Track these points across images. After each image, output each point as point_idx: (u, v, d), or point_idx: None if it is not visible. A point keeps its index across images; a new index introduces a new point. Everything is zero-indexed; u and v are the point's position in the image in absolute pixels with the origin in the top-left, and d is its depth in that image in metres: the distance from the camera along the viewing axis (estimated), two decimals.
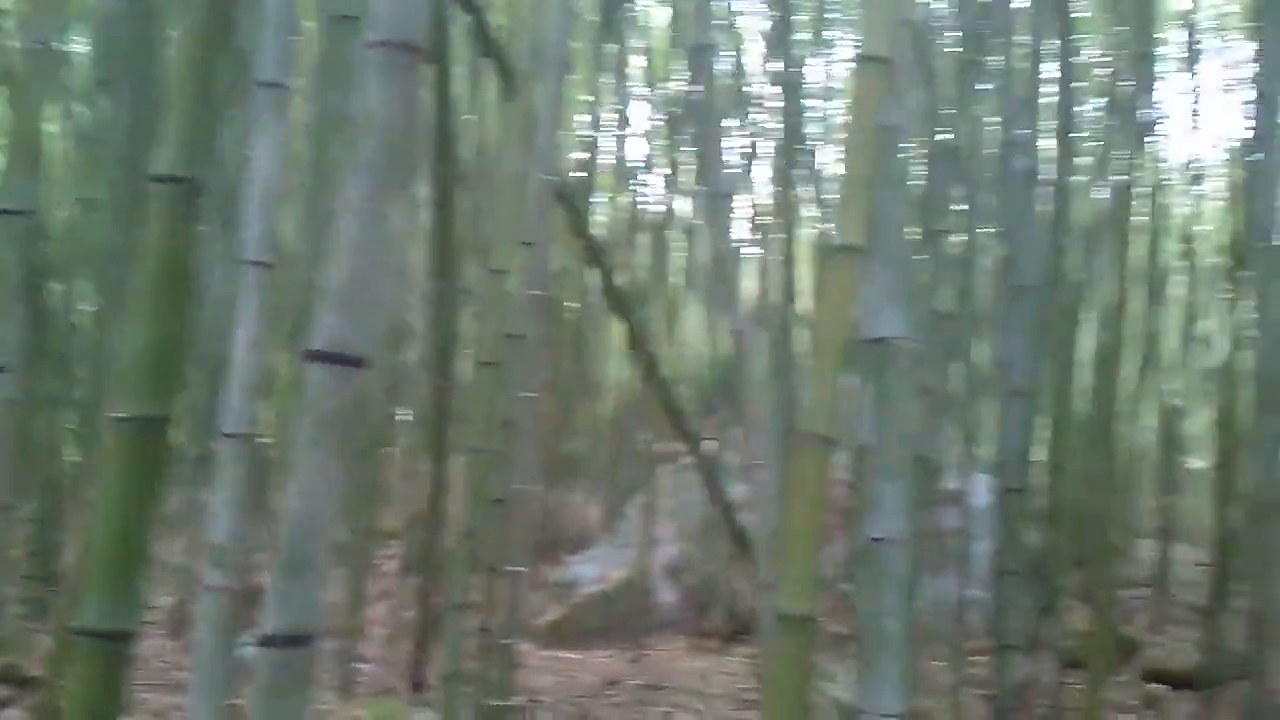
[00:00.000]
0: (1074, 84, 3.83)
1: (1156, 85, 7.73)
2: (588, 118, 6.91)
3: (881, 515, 1.87)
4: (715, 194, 3.04)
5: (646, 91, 7.07)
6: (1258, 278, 3.13)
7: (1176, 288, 8.21)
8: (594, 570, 5.84)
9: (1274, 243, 2.77)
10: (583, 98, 6.95)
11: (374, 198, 1.19)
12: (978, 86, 3.92)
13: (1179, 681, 5.28)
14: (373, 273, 1.20)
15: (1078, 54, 4.07)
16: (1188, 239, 7.58)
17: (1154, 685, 5.31)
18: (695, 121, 3.85)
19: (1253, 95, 3.18)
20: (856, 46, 1.50)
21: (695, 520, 5.74)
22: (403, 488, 5.15)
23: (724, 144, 3.00)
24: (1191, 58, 7.64)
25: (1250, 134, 3.23)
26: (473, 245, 4.24)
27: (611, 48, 6.62)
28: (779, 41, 4.42)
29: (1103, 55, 5.88)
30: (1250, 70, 3.45)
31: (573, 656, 5.32)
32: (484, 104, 4.83)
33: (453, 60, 4.13)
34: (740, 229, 7.53)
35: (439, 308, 3.55)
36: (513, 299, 2.85)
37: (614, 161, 7.08)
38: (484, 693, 2.90)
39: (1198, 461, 9.55)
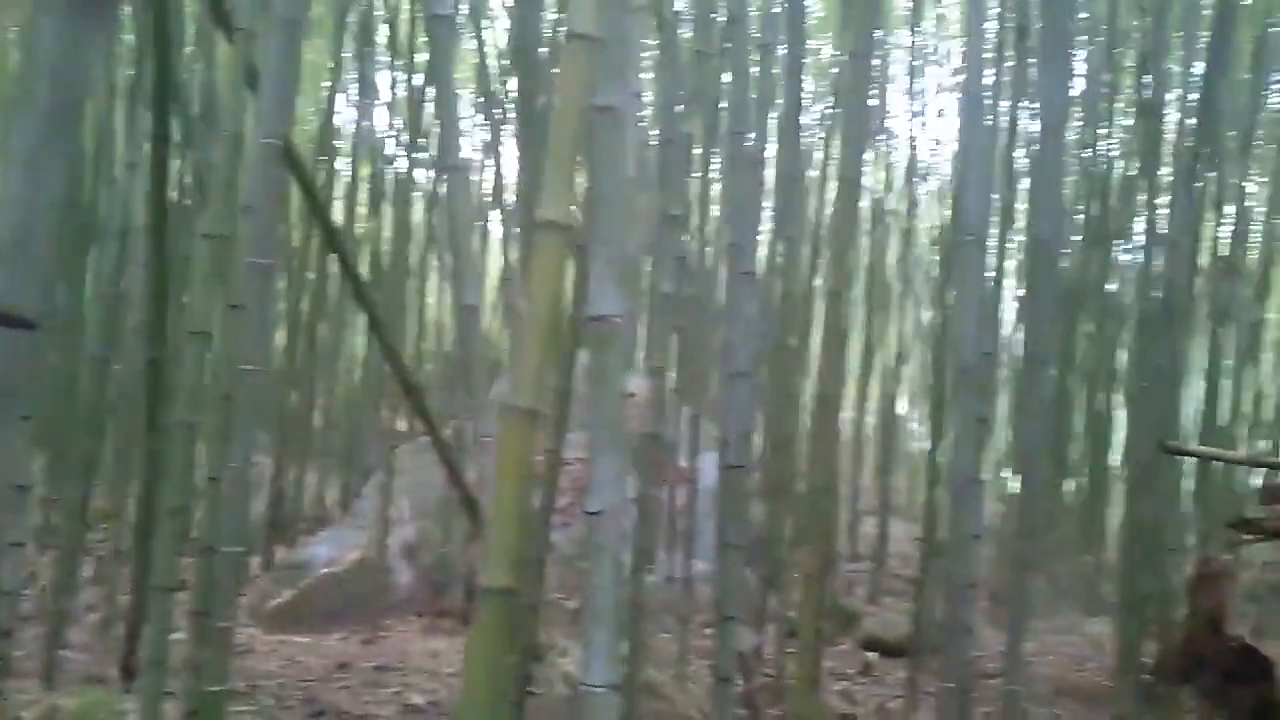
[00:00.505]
0: (802, 77, 3.97)
1: (885, 86, 8.21)
2: (330, 84, 6.70)
3: (597, 490, 1.89)
4: (452, 167, 3.00)
5: (392, 61, 6.92)
6: (957, 271, 3.34)
7: (899, 280, 8.73)
8: (328, 551, 5.69)
9: (968, 238, 2.96)
10: (326, 64, 6.74)
11: (42, 147, 1.10)
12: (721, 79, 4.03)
13: (892, 649, 5.65)
14: (40, 228, 1.11)
15: (804, 44, 4.22)
16: (907, 234, 8.08)
17: (870, 653, 5.64)
18: (435, 93, 3.77)
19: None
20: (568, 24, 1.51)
21: (433, 499, 5.67)
22: (118, 466, 4.85)
23: (464, 117, 2.96)
24: (917, 60, 8.15)
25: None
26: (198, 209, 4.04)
27: (356, 14, 6.44)
28: (523, 17, 4.40)
29: (834, 55, 6.17)
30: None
31: (303, 640, 5.17)
32: (216, 59, 4.60)
33: (179, 11, 3.92)
34: (480, 203, 7.52)
35: (152, 274, 3.35)
36: (235, 267, 2.72)
37: (358, 131, 6.89)
38: (198, 679, 2.77)
39: (917, 444, 10.23)
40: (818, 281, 5.92)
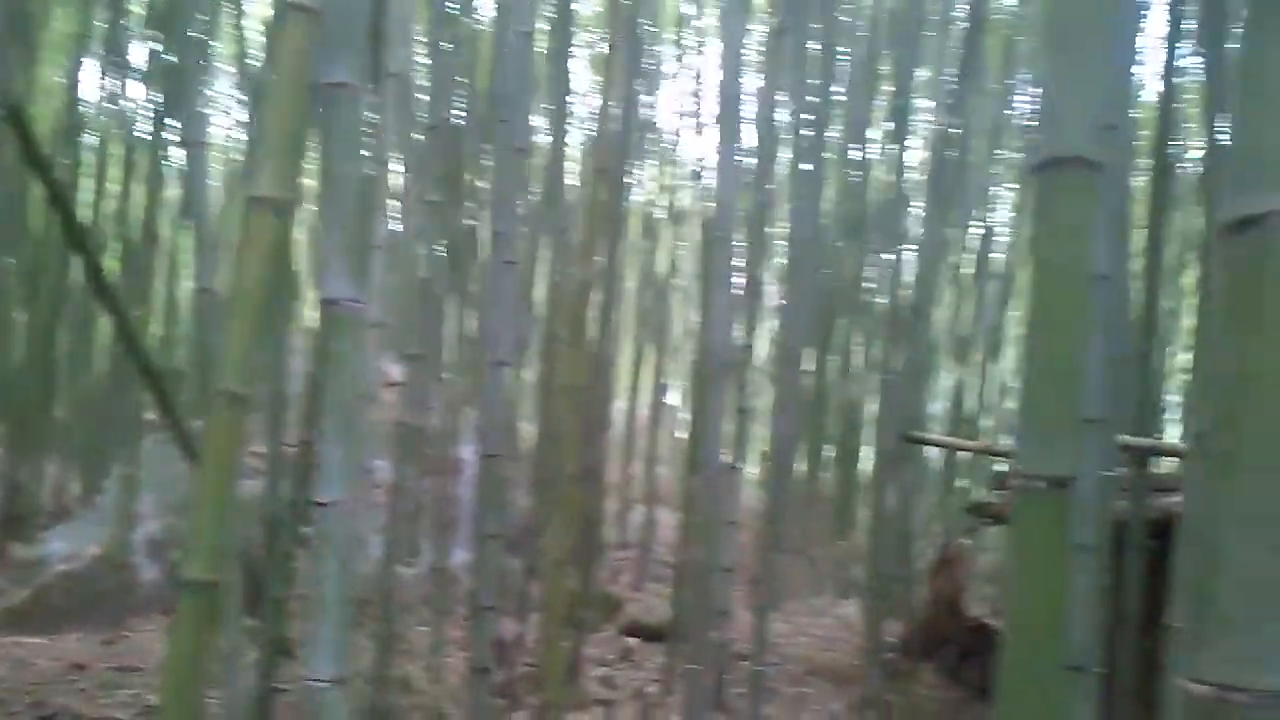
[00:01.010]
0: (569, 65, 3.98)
1: (659, 82, 8.32)
2: (78, 54, 6.29)
3: (326, 480, 1.84)
4: (193, 141, 2.86)
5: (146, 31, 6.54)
6: (712, 268, 3.42)
7: (680, 275, 8.88)
8: (66, 547, 5.35)
9: (718, 234, 3.04)
10: (75, 32, 6.33)
11: None
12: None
13: (654, 634, 5.75)
14: None
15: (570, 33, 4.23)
16: (677, 230, 8.24)
17: (632, 639, 5.72)
18: (184, 65, 3.59)
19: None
20: None
21: (181, 493, 5.40)
22: None
23: (224, 93, 2.83)
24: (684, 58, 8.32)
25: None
26: None
27: None
28: None
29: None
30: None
31: (37, 642, 4.84)
32: None
33: None
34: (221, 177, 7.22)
35: None
36: None
37: (108, 104, 6.49)
38: None
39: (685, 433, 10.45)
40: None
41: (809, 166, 4.55)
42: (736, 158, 3.39)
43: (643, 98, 7.21)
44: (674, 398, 10.06)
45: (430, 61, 4.31)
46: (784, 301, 7.57)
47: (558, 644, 3.42)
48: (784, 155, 5.98)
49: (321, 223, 1.79)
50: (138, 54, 6.39)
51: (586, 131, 7.12)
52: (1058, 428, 0.91)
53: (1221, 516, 0.75)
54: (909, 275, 5.32)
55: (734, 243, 3.19)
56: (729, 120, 3.31)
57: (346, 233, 1.80)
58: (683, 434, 10.46)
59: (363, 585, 3.86)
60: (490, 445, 3.54)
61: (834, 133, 6.58)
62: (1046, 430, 0.92)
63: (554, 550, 3.23)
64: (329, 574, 1.85)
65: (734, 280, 3.23)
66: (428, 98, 3.84)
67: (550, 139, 3.99)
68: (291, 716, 3.57)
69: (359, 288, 1.81)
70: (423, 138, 3.61)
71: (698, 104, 8.50)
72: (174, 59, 5.79)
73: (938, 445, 5.01)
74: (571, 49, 4.21)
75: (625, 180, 6.27)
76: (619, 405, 8.64)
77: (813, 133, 4.89)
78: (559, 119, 4.04)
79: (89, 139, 6.66)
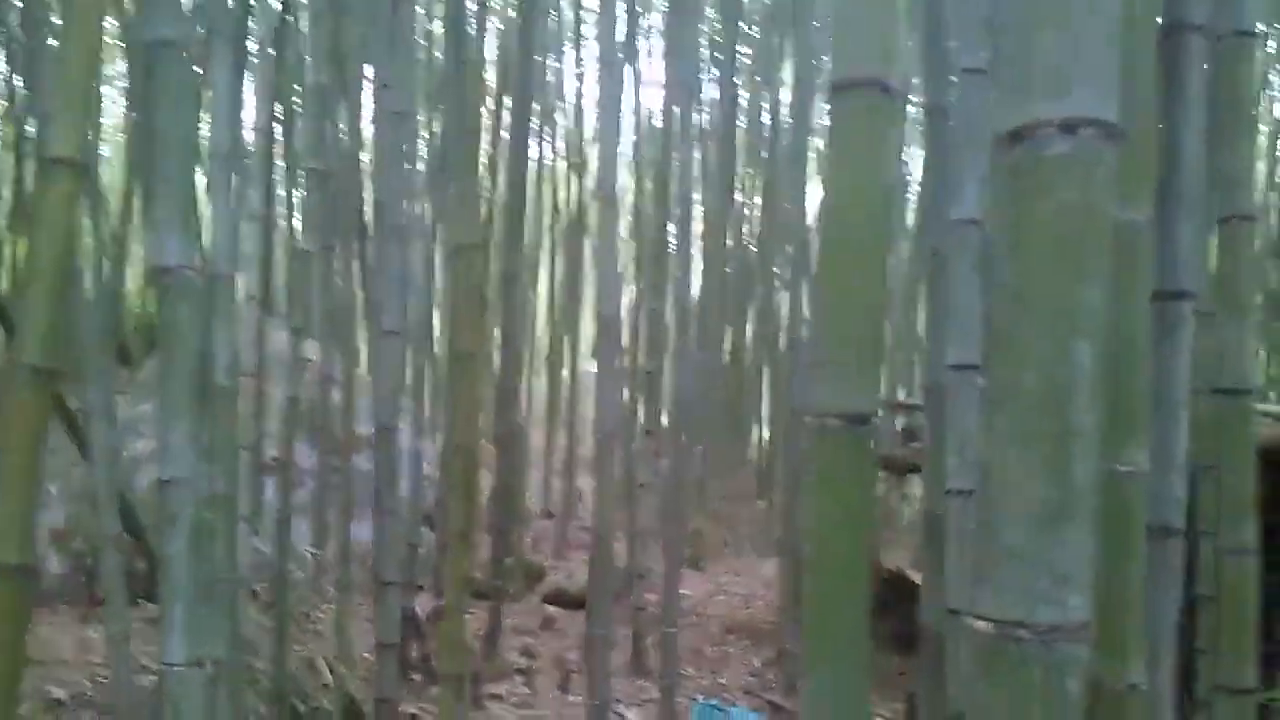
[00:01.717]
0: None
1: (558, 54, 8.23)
2: None
3: (168, 457, 1.76)
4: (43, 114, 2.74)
5: None
6: (600, 231, 3.37)
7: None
8: None
9: (604, 195, 2.99)
10: None
11: None
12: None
13: (575, 602, 5.73)
14: None
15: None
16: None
17: (553, 607, 5.70)
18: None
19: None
20: None
21: (82, 482, 5.25)
22: None
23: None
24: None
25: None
26: None
27: None
28: None
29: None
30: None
31: None
32: None
33: None
34: None
35: None
36: None
37: None
38: None
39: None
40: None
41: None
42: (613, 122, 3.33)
43: (550, 64, 7.13)
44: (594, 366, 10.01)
45: (311, 27, 4.18)
46: (706, 269, 7.55)
47: (458, 616, 3.36)
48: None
49: (151, 186, 1.71)
50: None
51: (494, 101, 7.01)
52: (855, 364, 0.88)
53: (999, 443, 0.72)
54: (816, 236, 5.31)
55: (614, 204, 3.13)
56: (610, 89, 3.26)
57: (178, 196, 1.72)
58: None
59: (264, 565, 3.78)
60: (384, 418, 3.47)
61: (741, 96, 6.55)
62: (843, 367, 0.88)
63: (454, 522, 3.17)
64: (178, 554, 1.78)
65: (613, 242, 3.17)
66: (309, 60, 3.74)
67: (455, 106, 3.89)
68: None
69: (191, 254, 1.73)
70: (299, 107, 3.50)
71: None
72: None
73: (900, 407, 5.02)
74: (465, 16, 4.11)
75: (531, 146, 6.20)
76: (540, 374, 8.59)
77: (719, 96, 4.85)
78: (458, 83, 3.95)
79: None
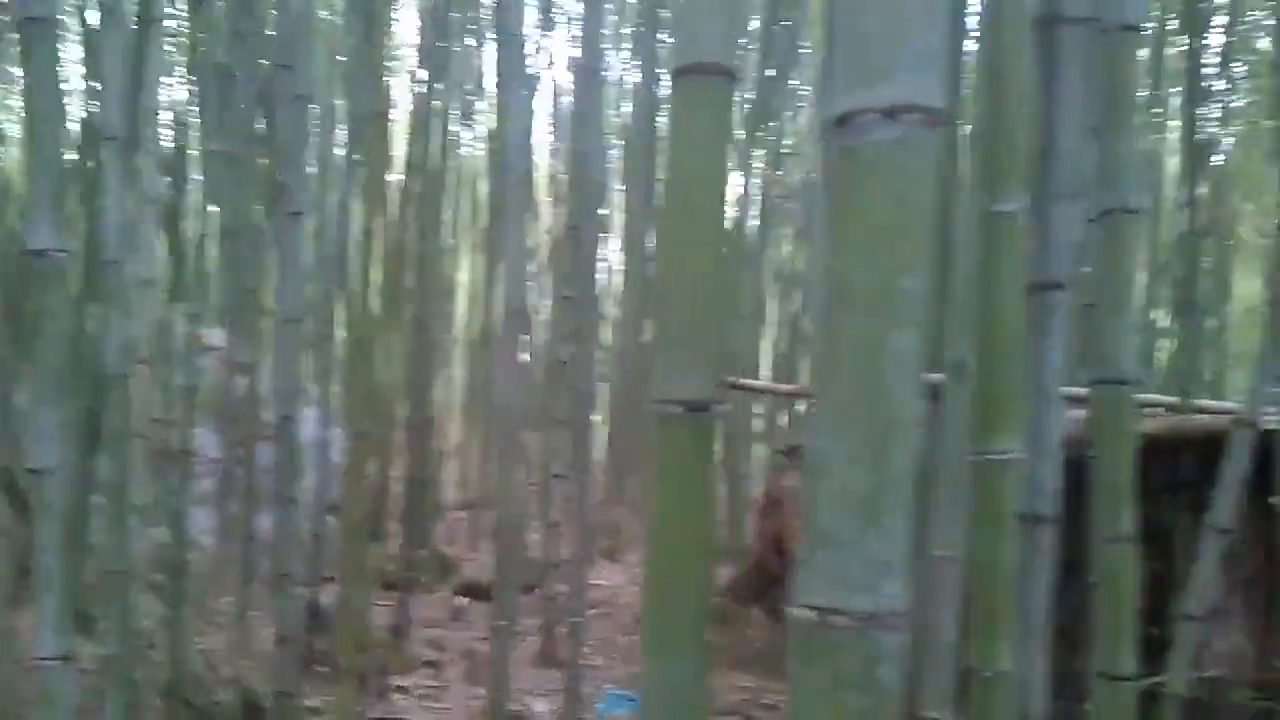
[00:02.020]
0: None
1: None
2: None
3: (38, 446, 1.71)
4: None
5: None
6: (508, 212, 3.34)
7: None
8: None
9: (509, 175, 2.96)
10: None
11: None
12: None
13: (487, 594, 5.70)
14: None
15: None
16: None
17: (466, 598, 5.67)
18: None
19: None
20: None
21: None
22: None
23: None
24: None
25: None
26: None
27: None
28: None
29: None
30: None
31: None
32: None
33: None
34: None
35: None
36: None
37: None
38: None
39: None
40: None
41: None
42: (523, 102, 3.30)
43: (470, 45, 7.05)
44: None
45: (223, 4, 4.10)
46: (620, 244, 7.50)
47: (357, 608, 3.33)
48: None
49: (27, 168, 1.66)
50: None
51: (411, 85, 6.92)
52: (695, 351, 0.87)
53: (820, 430, 0.71)
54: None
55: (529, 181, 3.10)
56: (512, 65, 3.23)
57: (49, 178, 1.67)
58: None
59: (162, 557, 3.71)
60: (285, 406, 3.41)
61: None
62: (683, 353, 0.87)
63: (352, 511, 3.14)
64: (48, 545, 1.73)
65: (520, 224, 3.15)
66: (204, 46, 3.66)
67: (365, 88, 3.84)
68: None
69: (61, 237, 1.68)
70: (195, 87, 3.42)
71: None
72: None
73: (758, 391, 5.05)
74: None
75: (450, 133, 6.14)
76: (462, 363, 8.52)
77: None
78: (362, 64, 3.89)
79: None
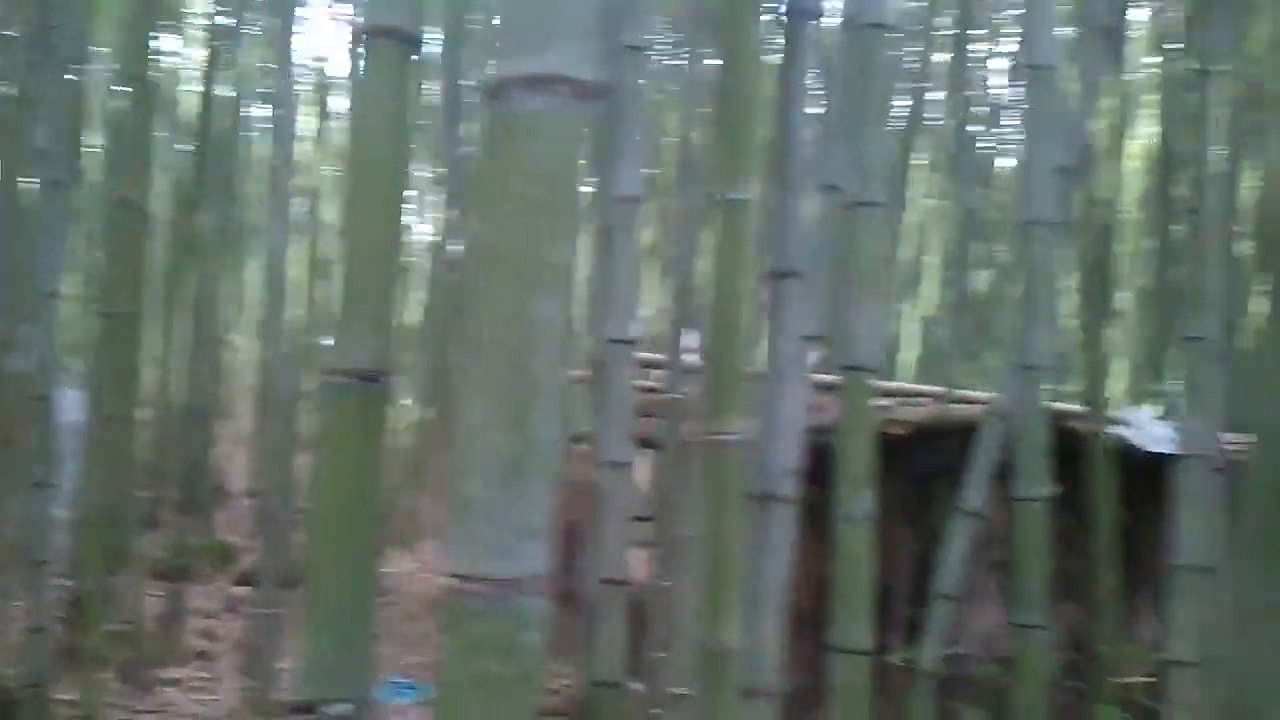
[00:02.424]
0: None
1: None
2: None
3: None
4: None
5: None
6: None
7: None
8: None
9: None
10: None
11: None
12: None
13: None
14: None
15: None
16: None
17: (241, 588, 5.49)
18: None
19: None
20: None
21: None
22: None
23: None
24: None
25: None
26: None
27: None
28: None
29: None
30: None
31: None
32: None
33: None
34: None
35: None
36: None
37: None
38: None
39: None
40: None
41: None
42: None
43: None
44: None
45: None
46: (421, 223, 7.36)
47: (122, 598, 3.19)
48: None
49: None
50: None
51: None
52: (366, 321, 0.86)
53: (465, 396, 0.71)
54: None
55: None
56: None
57: None
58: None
59: None
60: (40, 386, 3.23)
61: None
62: (357, 324, 0.86)
63: (100, 496, 2.99)
64: None
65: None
66: None
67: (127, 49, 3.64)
68: None
69: None
70: None
71: None
72: None
73: None
74: None
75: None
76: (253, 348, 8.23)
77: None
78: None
79: None
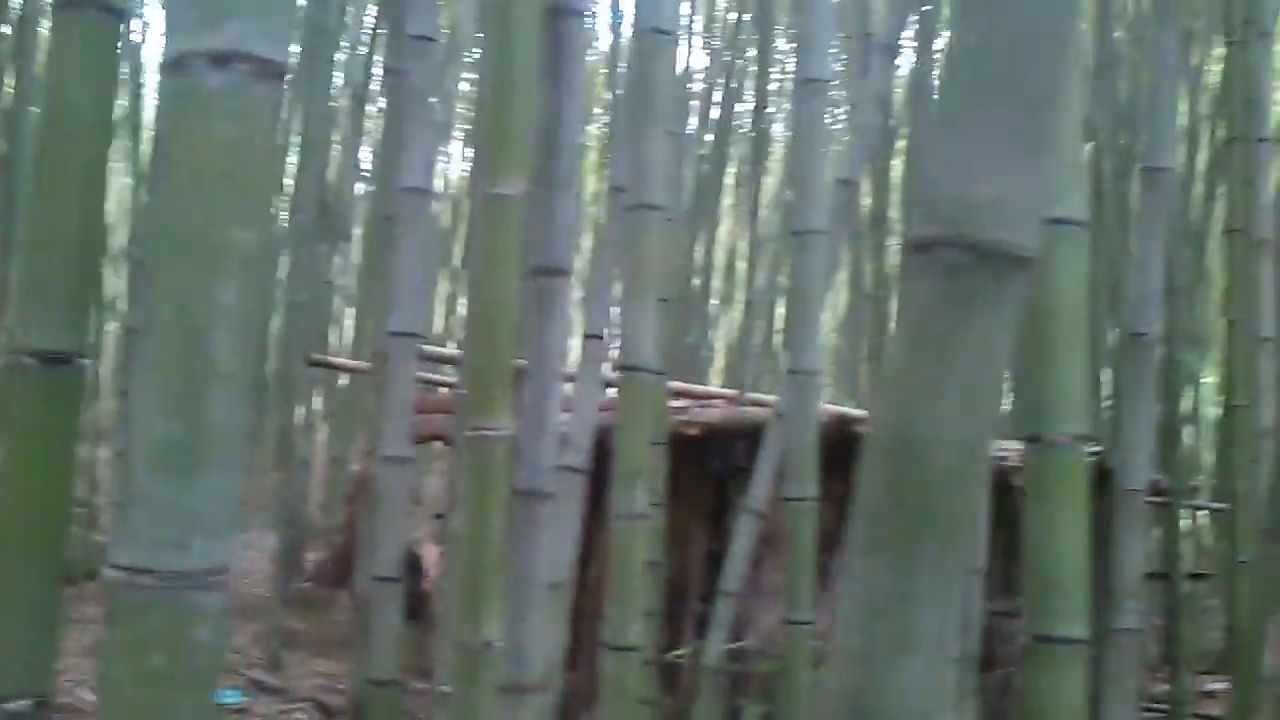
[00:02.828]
0: None
1: None
2: None
3: None
4: None
5: None
6: None
7: None
8: None
9: None
10: None
11: None
12: None
13: None
14: None
15: None
16: None
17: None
18: None
19: None
20: None
21: None
22: None
23: None
24: None
25: None
26: None
27: None
28: None
29: None
30: None
31: None
32: None
33: None
34: None
35: None
36: None
37: None
38: None
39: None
40: None
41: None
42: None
43: None
44: None
45: None
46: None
47: None
48: None
49: None
50: None
51: None
52: (56, 297, 0.82)
53: (137, 381, 0.69)
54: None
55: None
56: None
57: None
58: None
59: None
60: None
61: None
62: (43, 300, 0.82)
63: None
64: None
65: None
66: None
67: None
68: None
69: None
70: None
71: None
72: None
73: (343, 369, 4.95)
74: None
75: None
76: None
77: None
78: None
79: None
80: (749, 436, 3.76)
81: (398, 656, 2.28)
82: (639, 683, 2.06)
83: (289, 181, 5.69)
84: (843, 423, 3.30)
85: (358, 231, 6.91)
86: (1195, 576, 4.66)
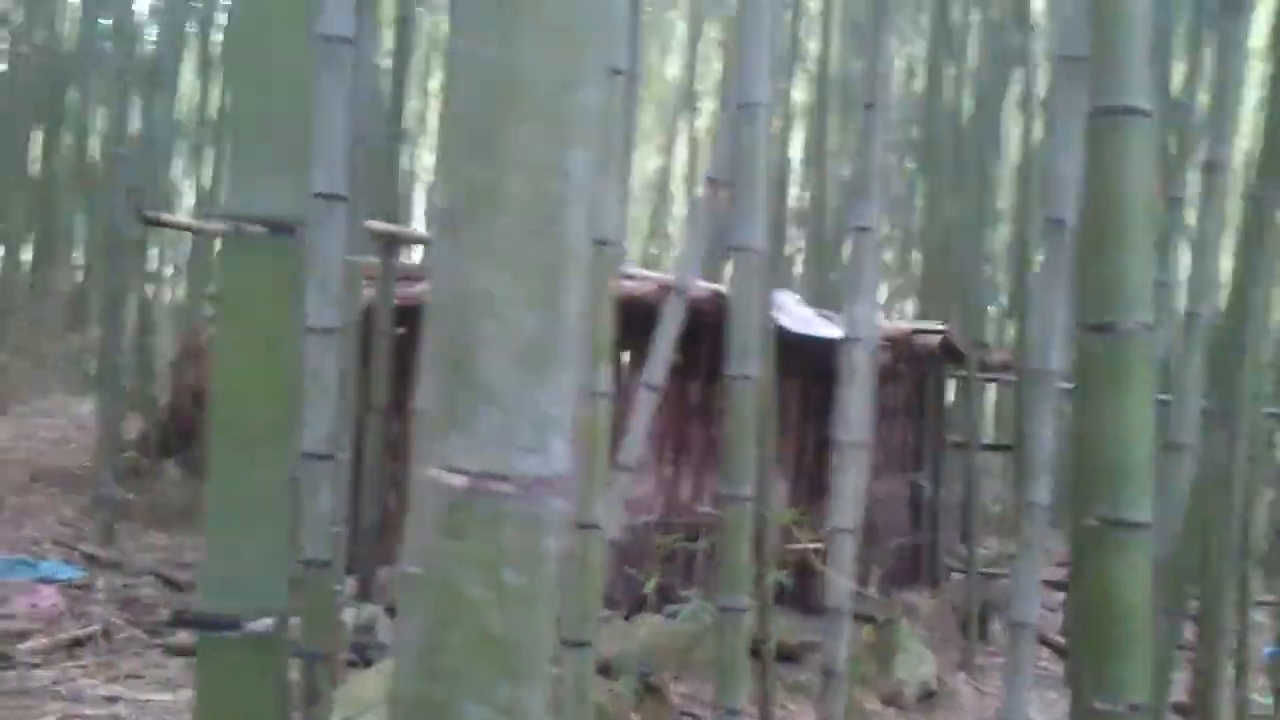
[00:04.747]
0: None
1: None
2: None
3: None
4: None
5: None
6: None
7: None
8: None
9: None
10: None
11: None
12: None
13: None
14: None
15: None
16: None
17: None
18: None
19: None
20: None
21: None
22: None
23: None
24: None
25: None
26: None
27: None
28: None
29: None
30: None
31: None
32: None
33: None
34: None
35: None
36: None
37: None
38: None
39: None
40: None
41: None
42: None
43: None
44: None
45: None
46: None
47: None
48: None
49: None
50: None
51: None
52: (279, 161, 0.71)
53: (479, 265, 0.60)
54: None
55: None
56: None
57: None
58: None
59: None
60: None
61: None
62: (263, 164, 0.71)
63: None
64: None
65: None
66: None
67: None
68: None
69: None
70: None
71: None
72: None
73: (182, 228, 4.63)
74: None
75: None
76: None
77: None
78: None
79: None
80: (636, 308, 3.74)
81: (330, 539, 2.18)
82: None
83: None
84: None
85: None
86: None
